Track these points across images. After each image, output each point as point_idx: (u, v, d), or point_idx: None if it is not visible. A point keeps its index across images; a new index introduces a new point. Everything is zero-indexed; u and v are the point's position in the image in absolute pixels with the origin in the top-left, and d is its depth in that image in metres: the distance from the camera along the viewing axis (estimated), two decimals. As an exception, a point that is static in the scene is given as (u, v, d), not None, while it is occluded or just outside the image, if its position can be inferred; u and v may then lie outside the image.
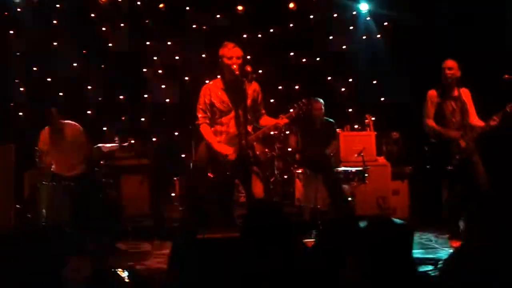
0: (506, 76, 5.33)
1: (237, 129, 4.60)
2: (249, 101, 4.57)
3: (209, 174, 4.66)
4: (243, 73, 4.50)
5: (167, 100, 8.08)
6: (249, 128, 4.60)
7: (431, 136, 5.51)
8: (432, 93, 5.52)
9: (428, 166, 5.62)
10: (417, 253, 4.96)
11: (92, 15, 7.96)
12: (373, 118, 7.52)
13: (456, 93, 5.49)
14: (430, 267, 4.40)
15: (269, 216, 2.69)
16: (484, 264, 2.10)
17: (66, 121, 5.98)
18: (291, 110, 4.75)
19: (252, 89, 4.67)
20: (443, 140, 5.42)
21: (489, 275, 2.07)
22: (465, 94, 5.52)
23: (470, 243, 2.33)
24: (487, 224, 2.51)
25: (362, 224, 2.55)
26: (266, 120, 4.76)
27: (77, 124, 6.03)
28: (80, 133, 5.98)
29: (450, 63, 5.41)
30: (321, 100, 6.72)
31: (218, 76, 4.82)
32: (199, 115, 4.72)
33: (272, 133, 7.19)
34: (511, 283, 2.05)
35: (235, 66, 4.53)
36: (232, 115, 4.66)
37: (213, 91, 4.70)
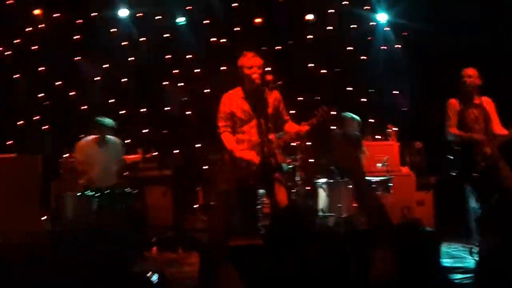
0: None
1: (259, 137, 4.58)
2: (270, 110, 4.57)
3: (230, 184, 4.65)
4: (264, 82, 4.51)
5: (188, 112, 8.14)
6: (271, 136, 4.60)
7: (455, 144, 5.45)
8: (453, 101, 5.46)
9: (453, 174, 5.52)
10: (445, 262, 4.87)
11: (112, 30, 8.08)
12: (395, 128, 7.48)
13: (477, 101, 5.42)
14: (459, 276, 4.33)
15: (293, 223, 2.67)
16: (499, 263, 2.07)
17: (110, 136, 6.13)
18: (313, 118, 4.73)
19: (273, 97, 4.65)
20: (468, 147, 5.34)
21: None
22: (487, 102, 5.45)
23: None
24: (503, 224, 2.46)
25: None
26: (291, 127, 4.74)
27: (118, 139, 6.19)
28: (120, 147, 6.14)
29: (469, 71, 5.36)
30: (354, 116, 6.72)
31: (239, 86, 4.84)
32: (220, 124, 4.70)
33: (294, 144, 7.25)
34: None
35: (256, 75, 4.53)
36: (254, 124, 4.64)
37: (233, 100, 4.69)
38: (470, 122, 5.37)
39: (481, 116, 5.38)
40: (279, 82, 4.63)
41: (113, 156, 6.07)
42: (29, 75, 7.75)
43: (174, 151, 7.69)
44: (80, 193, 5.64)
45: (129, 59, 8.06)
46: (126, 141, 7.22)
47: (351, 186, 6.36)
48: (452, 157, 5.52)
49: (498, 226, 2.33)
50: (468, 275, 4.22)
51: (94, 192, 5.64)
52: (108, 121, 6.07)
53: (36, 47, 7.84)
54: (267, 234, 2.93)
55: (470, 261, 5.05)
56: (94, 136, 6.05)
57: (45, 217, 6.09)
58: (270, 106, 4.57)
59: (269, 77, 4.51)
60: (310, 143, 7.24)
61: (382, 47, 8.48)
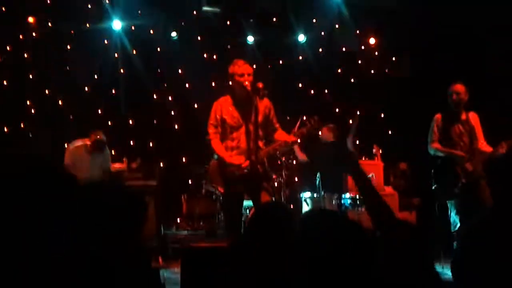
0: None
1: (247, 144, 4.61)
2: (260, 117, 4.60)
3: (219, 189, 4.66)
4: (254, 90, 4.56)
5: (175, 126, 8.17)
6: (260, 144, 4.63)
7: (437, 158, 5.50)
8: (438, 116, 5.52)
9: (434, 186, 5.55)
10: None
11: (105, 42, 8.14)
12: (380, 150, 7.54)
13: (464, 116, 5.47)
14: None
15: (276, 215, 2.62)
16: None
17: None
18: (302, 128, 4.78)
19: (264, 105, 4.70)
20: (450, 163, 5.39)
21: None
22: (473, 118, 5.49)
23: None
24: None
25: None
26: (280, 135, 4.77)
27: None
28: (108, 158, 6.18)
29: (457, 87, 5.39)
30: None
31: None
32: (210, 131, 4.74)
33: (279, 162, 7.28)
34: None
35: (247, 83, 4.58)
36: (243, 131, 4.68)
37: (224, 106, 4.74)
38: (454, 137, 5.41)
39: (466, 132, 5.43)
40: (268, 93, 4.68)
41: (101, 164, 6.10)
42: (19, 81, 7.75)
43: (160, 163, 7.70)
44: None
45: (120, 70, 8.13)
46: (111, 150, 7.24)
47: (334, 202, 6.39)
48: (433, 171, 5.57)
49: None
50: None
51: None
52: (104, 138, 6.13)
53: (28, 54, 7.86)
54: (246, 228, 2.86)
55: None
56: (85, 142, 6.05)
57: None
58: (260, 114, 4.60)
59: (259, 85, 4.56)
60: (294, 161, 7.28)
61: (371, 70, 8.62)
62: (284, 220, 2.59)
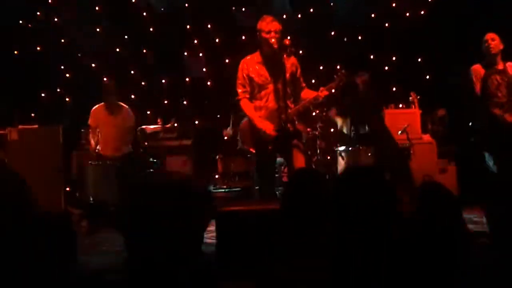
0: None
1: (276, 103, 4.56)
2: (287, 75, 4.53)
3: (250, 149, 4.67)
4: (282, 47, 4.46)
5: (208, 83, 8.13)
6: (289, 102, 4.57)
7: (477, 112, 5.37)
8: (477, 67, 5.36)
9: (472, 140, 5.45)
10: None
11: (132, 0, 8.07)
12: (418, 97, 7.33)
13: (501, 66, 5.30)
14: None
15: (311, 184, 2.61)
16: None
17: (120, 103, 6.17)
18: (331, 83, 4.68)
19: (290, 63, 4.62)
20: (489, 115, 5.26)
21: None
22: (511, 68, 5.32)
23: None
24: None
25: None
26: (307, 94, 4.71)
27: (127, 107, 6.21)
28: (131, 115, 6.18)
29: (492, 35, 5.28)
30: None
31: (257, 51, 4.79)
32: (239, 90, 4.70)
33: (313, 113, 7.19)
34: None
35: (273, 40, 4.49)
36: (271, 90, 4.62)
37: (250, 65, 4.67)
38: (492, 89, 5.27)
39: (504, 83, 5.27)
40: (299, 52, 4.59)
41: (123, 122, 6.10)
42: (49, 47, 7.82)
43: (194, 122, 7.73)
44: (101, 162, 5.71)
45: (150, 29, 8.08)
46: (145, 111, 7.31)
47: (370, 154, 6.30)
48: (472, 124, 5.46)
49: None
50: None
51: (114, 161, 5.71)
52: (113, 83, 6.11)
53: (56, 19, 7.89)
54: (282, 197, 2.87)
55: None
56: (104, 103, 6.10)
57: (67, 188, 6.20)
58: (287, 72, 4.53)
59: (286, 42, 4.46)
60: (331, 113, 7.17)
61: (406, 13, 8.27)
62: (316, 187, 2.58)
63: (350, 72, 4.76)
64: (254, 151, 4.70)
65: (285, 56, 4.46)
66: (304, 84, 4.76)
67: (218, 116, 7.81)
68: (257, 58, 4.68)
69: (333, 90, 4.58)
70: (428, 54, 8.01)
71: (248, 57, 4.76)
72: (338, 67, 8.10)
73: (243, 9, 8.15)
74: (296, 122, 4.70)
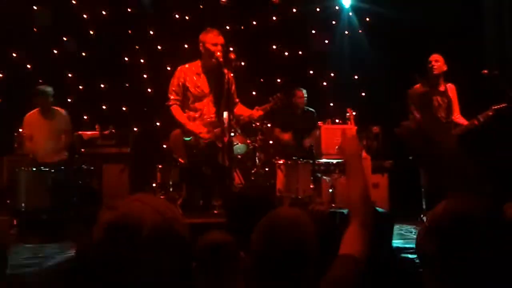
0: (484, 71, 5.41)
1: (211, 115, 4.58)
2: (225, 89, 4.58)
3: (179, 160, 4.64)
4: (226, 61, 4.51)
5: (148, 89, 8.03)
6: (225, 116, 4.59)
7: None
8: (412, 91, 5.60)
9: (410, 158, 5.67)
10: (397, 243, 5.02)
11: (73, 1, 7.85)
12: (354, 113, 7.57)
13: (442, 88, 5.54)
14: (410, 256, 4.46)
15: (258, 199, 2.65)
16: None
17: (54, 107, 5.96)
18: (267, 104, 4.79)
19: (227, 78, 4.66)
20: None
21: None
22: (451, 90, 5.57)
23: None
24: None
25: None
26: (240, 110, 4.77)
27: (63, 110, 6.00)
28: (67, 120, 5.99)
29: (436, 56, 5.47)
30: (304, 90, 6.91)
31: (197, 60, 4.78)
32: (171, 97, 4.69)
33: (253, 125, 7.26)
34: None
35: (219, 53, 4.52)
36: (207, 101, 4.63)
37: (188, 74, 4.67)
38: (433, 109, 5.50)
39: (444, 104, 5.51)
40: (241, 63, 4.65)
41: (59, 127, 5.93)
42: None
43: (133, 128, 7.59)
44: (34, 168, 5.50)
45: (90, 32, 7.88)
46: (82, 116, 7.11)
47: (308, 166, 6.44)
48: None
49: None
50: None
51: (48, 168, 5.52)
52: (49, 89, 5.92)
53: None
54: (228, 211, 2.88)
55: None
56: (38, 108, 5.90)
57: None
58: (225, 85, 4.57)
59: (232, 56, 4.51)
60: (270, 125, 7.27)
61: (345, 32, 8.55)
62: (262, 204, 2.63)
63: (286, 94, 4.88)
64: (183, 162, 4.67)
65: (225, 70, 4.51)
66: (237, 100, 4.82)
67: (158, 124, 7.71)
68: (196, 69, 4.67)
69: (267, 111, 4.68)
70: (364, 72, 8.30)
71: (187, 65, 4.74)
72: (278, 80, 8.30)
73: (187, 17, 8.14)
74: (237, 133, 4.74)
